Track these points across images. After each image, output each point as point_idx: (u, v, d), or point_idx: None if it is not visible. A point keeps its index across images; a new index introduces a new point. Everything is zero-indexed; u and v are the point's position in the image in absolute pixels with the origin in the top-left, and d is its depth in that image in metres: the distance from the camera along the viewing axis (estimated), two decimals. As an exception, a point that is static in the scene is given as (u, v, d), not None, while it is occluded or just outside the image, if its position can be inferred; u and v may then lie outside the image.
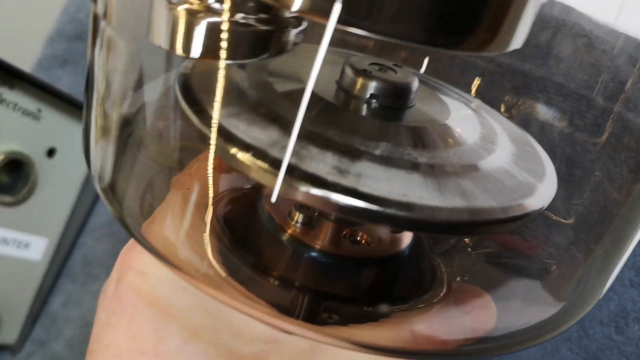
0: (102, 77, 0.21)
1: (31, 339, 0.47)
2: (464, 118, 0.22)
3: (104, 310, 0.21)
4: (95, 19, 0.20)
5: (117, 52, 0.21)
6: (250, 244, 0.22)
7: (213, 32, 0.16)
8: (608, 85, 0.22)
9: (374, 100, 0.19)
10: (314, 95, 0.19)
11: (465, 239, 0.23)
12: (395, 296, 0.21)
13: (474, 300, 0.21)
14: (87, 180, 0.46)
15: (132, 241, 0.22)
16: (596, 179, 0.22)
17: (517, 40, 0.15)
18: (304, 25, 0.18)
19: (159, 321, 0.20)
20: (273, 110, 0.19)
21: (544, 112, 0.25)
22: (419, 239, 0.23)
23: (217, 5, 0.17)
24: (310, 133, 0.18)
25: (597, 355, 0.28)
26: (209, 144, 0.18)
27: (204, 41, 0.17)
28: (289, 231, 0.20)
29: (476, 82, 0.25)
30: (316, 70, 0.14)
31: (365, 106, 0.19)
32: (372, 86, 0.19)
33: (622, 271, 0.28)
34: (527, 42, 0.16)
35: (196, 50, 0.17)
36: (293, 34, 0.18)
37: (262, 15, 0.17)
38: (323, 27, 0.13)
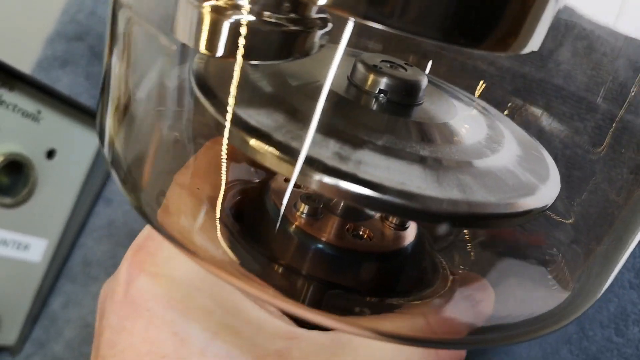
0: (121, 65, 0.21)
1: (31, 340, 0.47)
2: (471, 119, 0.22)
3: (115, 314, 0.21)
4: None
5: (137, 38, 0.21)
6: (258, 233, 0.22)
7: (238, 31, 0.16)
8: (609, 87, 0.22)
9: (382, 95, 0.20)
10: (327, 90, 0.20)
11: (467, 236, 0.24)
12: (399, 289, 0.22)
13: (473, 285, 0.21)
14: (87, 181, 0.46)
15: (138, 243, 0.22)
16: (597, 180, 0.23)
17: (535, 43, 0.15)
18: (329, 27, 0.19)
19: (178, 324, 0.20)
20: (285, 100, 0.19)
21: (543, 113, 0.25)
22: (421, 237, 0.23)
23: (243, 3, 0.16)
24: (317, 122, 0.18)
25: (597, 357, 0.28)
26: (221, 130, 0.18)
27: (229, 41, 0.17)
28: (294, 222, 0.21)
29: (480, 86, 0.25)
30: (335, 65, 0.14)
31: (374, 101, 0.20)
32: (382, 82, 0.20)
33: (621, 273, 0.28)
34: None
35: (220, 49, 0.17)
36: (318, 35, 0.18)
37: (289, 15, 0.17)
38: (341, 28, 0.13)
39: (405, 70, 0.21)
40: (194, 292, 0.20)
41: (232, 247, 0.20)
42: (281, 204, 0.21)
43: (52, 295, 0.47)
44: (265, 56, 0.18)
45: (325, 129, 0.18)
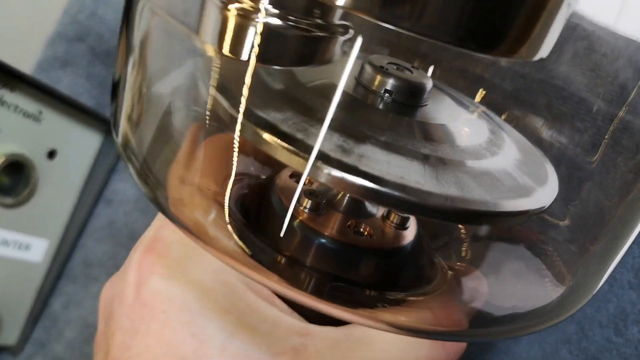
0: (136, 60, 0.21)
1: (32, 340, 0.47)
2: (473, 123, 0.23)
3: (126, 317, 0.21)
4: None
5: (154, 34, 0.21)
6: (263, 226, 0.23)
7: (264, 35, 0.17)
8: (608, 88, 0.22)
9: (387, 95, 0.21)
10: (334, 87, 0.20)
11: (463, 234, 0.24)
12: (401, 285, 0.23)
13: (469, 275, 0.22)
14: (88, 181, 0.46)
15: (145, 245, 0.22)
16: (597, 180, 0.23)
17: (545, 49, 0.16)
18: (351, 33, 0.19)
19: (195, 325, 0.20)
20: (296, 97, 0.20)
21: (543, 114, 0.25)
22: (420, 237, 0.23)
23: (270, 7, 0.16)
24: (324, 117, 0.19)
25: (597, 357, 0.28)
26: (233, 123, 0.18)
27: (254, 44, 0.17)
28: (298, 216, 0.22)
29: (480, 93, 0.26)
30: (349, 66, 0.14)
31: (380, 100, 0.21)
32: (389, 82, 0.21)
33: (621, 273, 0.28)
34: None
35: (246, 53, 0.17)
36: (340, 42, 0.19)
37: (312, 20, 0.18)
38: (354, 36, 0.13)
39: (411, 72, 0.21)
40: (207, 293, 0.20)
41: (242, 239, 0.21)
42: (286, 199, 0.22)
43: (53, 296, 0.47)
44: (288, 61, 0.18)
45: (331, 124, 0.18)
